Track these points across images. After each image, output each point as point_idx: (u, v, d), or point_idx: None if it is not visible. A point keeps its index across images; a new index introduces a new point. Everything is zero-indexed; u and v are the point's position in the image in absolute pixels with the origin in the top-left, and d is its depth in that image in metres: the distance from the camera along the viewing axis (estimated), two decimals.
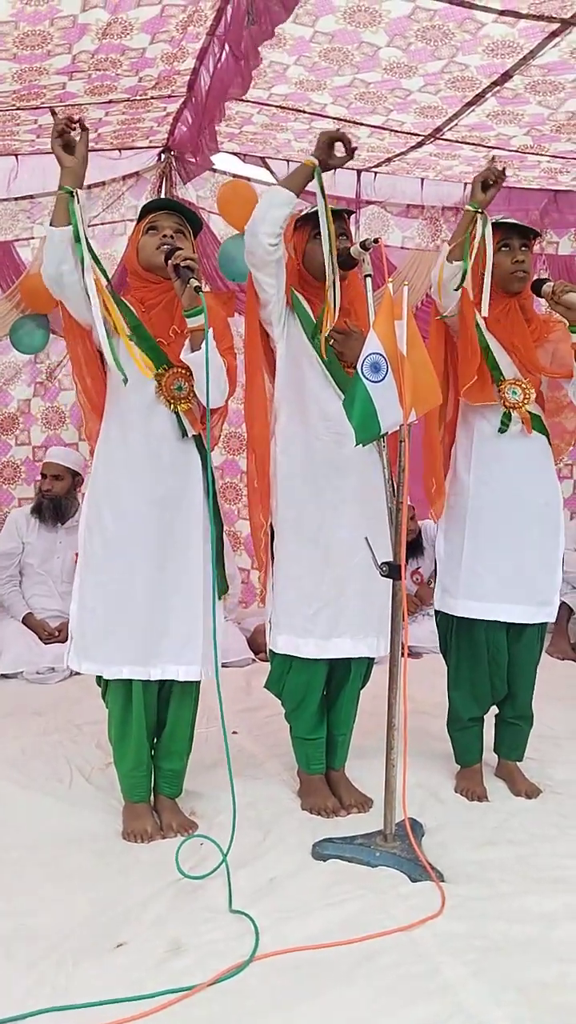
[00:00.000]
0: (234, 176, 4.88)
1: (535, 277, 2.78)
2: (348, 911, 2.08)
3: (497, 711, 2.89)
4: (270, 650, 2.68)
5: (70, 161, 2.38)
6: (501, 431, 2.68)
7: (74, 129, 2.37)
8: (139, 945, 1.96)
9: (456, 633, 2.80)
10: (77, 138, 2.37)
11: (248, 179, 4.91)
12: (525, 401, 2.69)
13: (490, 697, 2.81)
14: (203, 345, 2.26)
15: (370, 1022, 1.70)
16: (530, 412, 2.71)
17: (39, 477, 4.66)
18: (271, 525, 2.66)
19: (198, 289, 2.26)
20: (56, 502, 4.41)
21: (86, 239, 2.34)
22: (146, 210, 2.51)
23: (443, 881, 2.20)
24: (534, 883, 2.21)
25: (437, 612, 2.87)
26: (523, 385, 2.70)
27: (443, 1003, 1.74)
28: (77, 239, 2.33)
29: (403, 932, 1.99)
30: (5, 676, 4.02)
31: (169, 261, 2.31)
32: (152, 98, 3.86)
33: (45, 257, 2.36)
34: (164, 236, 2.41)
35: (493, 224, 2.69)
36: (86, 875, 2.26)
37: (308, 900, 2.13)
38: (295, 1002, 1.76)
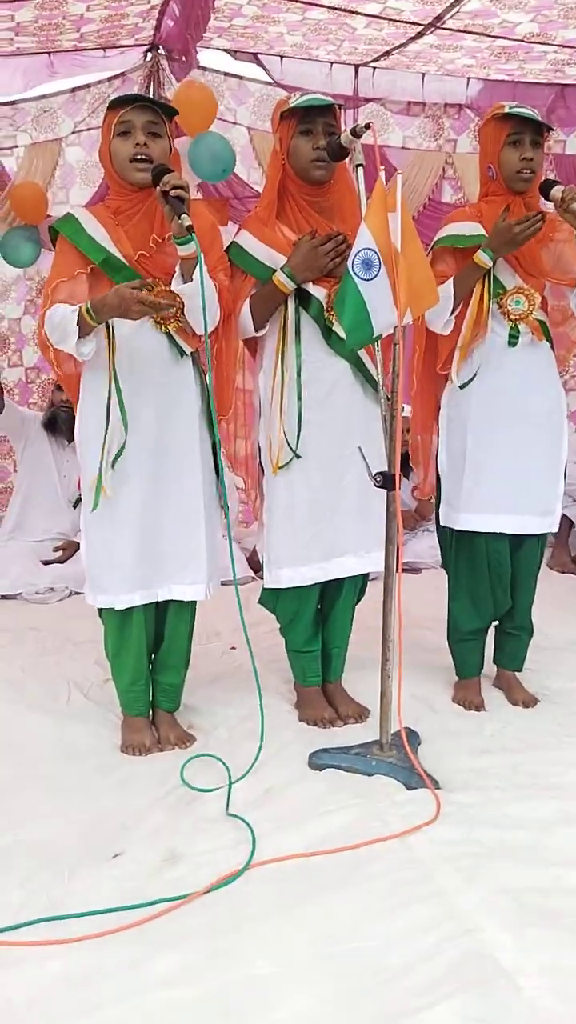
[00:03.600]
0: (224, 74, 4.66)
1: (544, 178, 2.63)
2: (344, 819, 2.09)
3: (497, 622, 2.87)
4: (263, 566, 2.64)
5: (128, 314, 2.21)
6: (512, 344, 2.59)
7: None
8: (135, 855, 1.97)
9: (457, 545, 2.76)
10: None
11: (240, 77, 4.69)
12: (531, 309, 2.59)
13: (492, 609, 2.78)
14: (195, 275, 2.17)
15: (364, 927, 1.71)
16: (538, 320, 2.62)
17: (54, 389, 4.53)
18: (260, 464, 2.60)
19: (190, 228, 2.13)
20: (73, 415, 4.28)
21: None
22: (115, 104, 2.32)
23: (438, 789, 2.20)
24: (528, 790, 2.21)
25: (438, 525, 2.82)
26: (527, 292, 2.59)
27: (436, 908, 1.75)
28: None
29: (398, 839, 1.99)
30: (4, 597, 4.01)
31: (158, 187, 2.18)
32: None
33: (59, 334, 2.26)
34: (137, 144, 2.26)
35: (503, 115, 2.52)
36: (84, 789, 2.28)
37: (304, 809, 2.14)
38: (290, 908, 1.77)
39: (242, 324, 2.48)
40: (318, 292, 2.44)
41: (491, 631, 2.89)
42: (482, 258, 2.49)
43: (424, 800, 2.15)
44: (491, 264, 2.50)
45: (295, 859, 1.93)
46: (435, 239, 2.65)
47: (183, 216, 2.13)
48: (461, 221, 2.63)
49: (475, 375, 2.62)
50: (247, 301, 2.47)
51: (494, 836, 2.00)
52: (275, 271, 2.42)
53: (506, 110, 2.53)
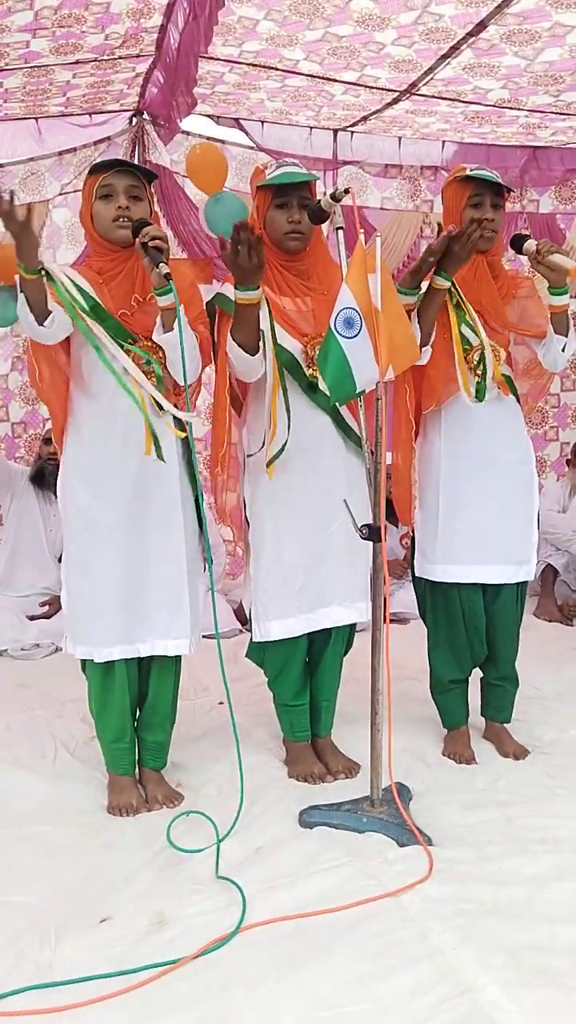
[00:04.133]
0: (207, 139, 4.77)
1: (516, 232, 2.70)
2: (336, 878, 2.06)
3: (482, 674, 2.87)
4: (251, 621, 2.64)
5: (16, 228, 2.13)
6: (479, 399, 2.63)
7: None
8: (124, 919, 1.93)
9: (432, 596, 2.78)
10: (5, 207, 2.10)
11: (223, 141, 4.81)
12: (496, 364, 2.64)
13: (470, 659, 2.79)
14: (175, 326, 2.21)
15: (357, 989, 1.67)
16: (504, 375, 2.67)
17: (41, 443, 4.56)
18: (245, 518, 2.61)
19: (168, 277, 2.19)
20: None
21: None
22: (96, 168, 2.38)
23: (431, 845, 2.18)
24: (522, 844, 2.20)
25: (413, 576, 2.84)
26: (492, 348, 2.64)
27: (431, 968, 1.72)
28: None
29: (391, 898, 1.97)
30: None
31: (137, 239, 2.24)
32: (120, 58, 3.75)
33: (22, 322, 2.28)
34: (120, 208, 2.32)
35: (465, 177, 2.60)
36: (70, 850, 2.24)
37: (295, 868, 2.11)
38: (282, 972, 1.74)
39: (234, 357, 2.42)
40: (292, 347, 2.48)
41: (477, 683, 2.89)
42: (438, 281, 2.52)
43: (416, 857, 2.13)
44: (447, 285, 2.53)
45: (287, 921, 1.90)
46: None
47: (161, 265, 2.19)
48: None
49: (441, 425, 2.68)
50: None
51: (488, 893, 1.98)
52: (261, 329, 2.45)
53: (467, 172, 2.61)
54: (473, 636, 2.74)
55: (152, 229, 2.24)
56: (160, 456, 2.38)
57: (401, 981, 1.69)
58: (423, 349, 2.59)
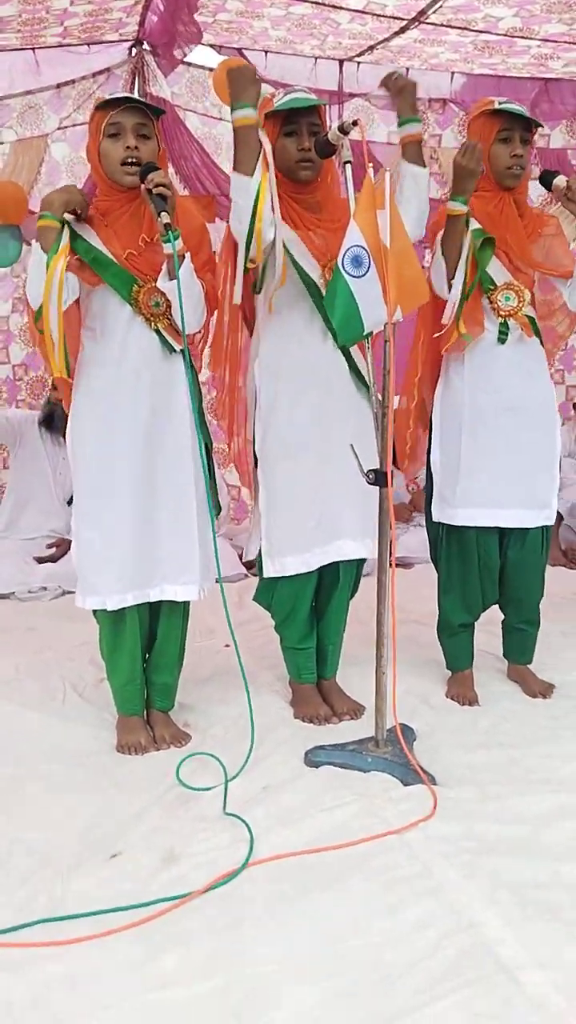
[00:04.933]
0: (209, 71, 4.63)
1: (544, 169, 2.63)
2: (341, 816, 2.09)
3: (503, 617, 2.89)
4: (258, 562, 2.64)
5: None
6: (501, 341, 2.60)
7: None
8: (134, 855, 1.97)
9: (447, 540, 2.77)
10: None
11: None
12: (520, 306, 2.60)
13: (481, 603, 2.80)
14: (178, 273, 2.18)
15: (362, 924, 1.71)
16: (527, 316, 2.62)
17: (51, 387, 4.52)
18: (254, 452, 2.59)
19: (168, 226, 2.16)
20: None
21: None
22: (104, 105, 2.31)
23: (435, 784, 2.21)
24: (525, 784, 2.23)
25: (428, 520, 2.83)
26: (516, 288, 2.60)
27: (435, 904, 1.76)
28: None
29: (395, 835, 2.00)
30: None
31: (143, 184, 2.20)
32: None
33: (30, 281, 2.24)
34: (128, 148, 2.26)
35: (493, 111, 2.53)
36: (80, 789, 2.27)
37: (301, 806, 2.14)
38: (289, 907, 1.77)
39: (234, 189, 2.32)
40: (311, 268, 2.43)
41: (499, 627, 2.92)
42: (453, 206, 2.49)
43: (421, 796, 2.16)
44: (464, 209, 2.50)
45: (293, 857, 1.93)
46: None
47: (162, 214, 2.16)
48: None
49: (464, 367, 2.63)
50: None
51: (492, 831, 2.01)
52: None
53: (496, 106, 2.53)
54: (486, 579, 2.75)
55: (157, 175, 2.19)
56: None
57: (406, 916, 1.72)
58: (449, 282, 2.54)
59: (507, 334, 2.61)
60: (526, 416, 2.66)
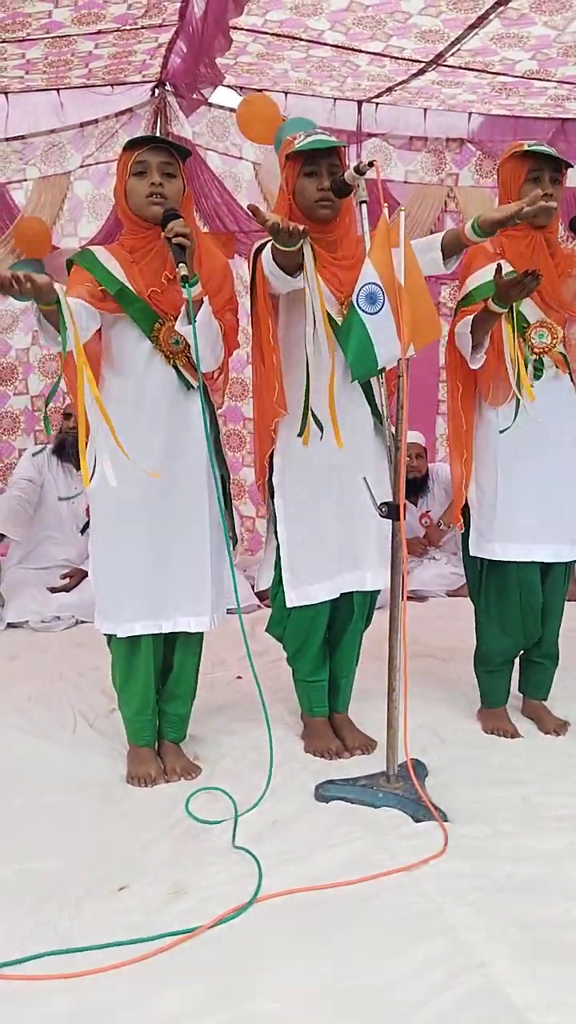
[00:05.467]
0: (230, 111, 4.73)
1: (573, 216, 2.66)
2: (351, 852, 2.07)
3: (522, 651, 2.88)
4: (272, 593, 2.64)
5: (31, 291, 2.05)
6: (536, 377, 2.62)
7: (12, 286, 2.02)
8: (141, 888, 1.96)
9: (487, 575, 2.77)
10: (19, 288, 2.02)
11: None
12: (554, 343, 2.63)
13: (522, 639, 2.80)
14: (196, 318, 2.23)
15: (371, 962, 1.69)
16: (560, 353, 2.65)
17: (63, 416, 4.57)
18: (269, 481, 2.60)
19: (184, 279, 2.19)
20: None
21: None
22: (131, 145, 2.38)
23: (446, 821, 2.19)
24: (538, 822, 2.20)
25: (466, 555, 2.83)
26: (549, 326, 2.63)
27: (445, 943, 1.74)
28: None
29: (405, 872, 1.98)
30: (11, 625, 4.02)
31: (163, 232, 2.24)
32: (143, 28, 3.71)
33: (46, 338, 2.25)
34: (153, 184, 2.31)
35: (523, 152, 2.56)
36: (89, 819, 2.27)
37: (311, 841, 2.13)
38: (296, 943, 1.76)
39: (271, 274, 2.37)
40: (331, 305, 2.44)
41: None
42: (492, 305, 2.50)
43: (431, 833, 2.14)
44: (503, 310, 2.50)
45: (302, 892, 1.92)
46: (466, 292, 2.64)
47: (180, 265, 2.20)
48: (480, 264, 2.63)
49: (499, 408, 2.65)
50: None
51: (504, 869, 1.99)
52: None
53: (525, 148, 2.57)
54: (528, 615, 2.75)
55: (177, 224, 2.22)
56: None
57: (415, 955, 1.70)
58: (475, 356, 2.57)
59: (542, 371, 2.63)
60: (559, 452, 2.68)
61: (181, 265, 2.20)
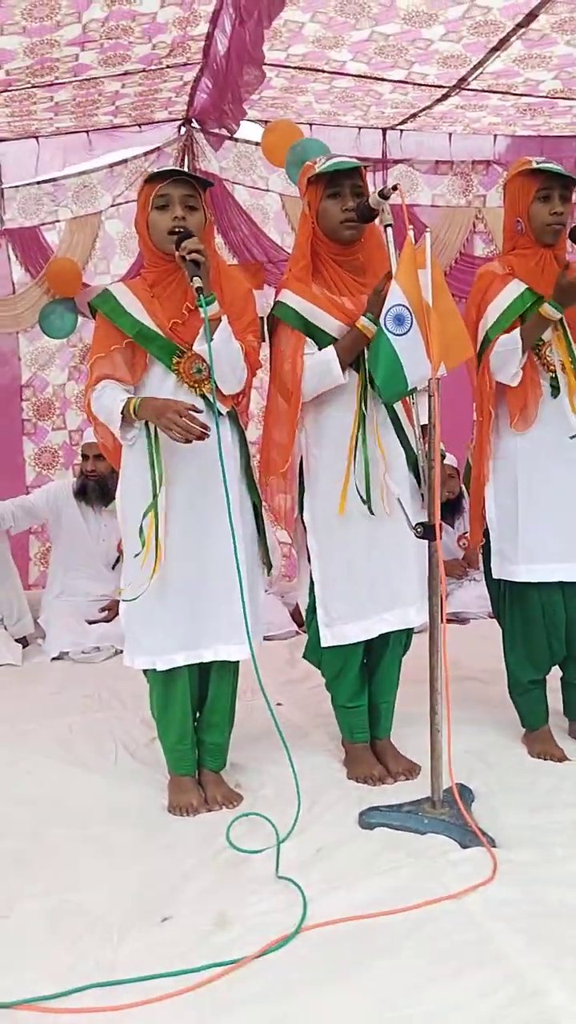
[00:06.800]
0: (256, 144, 4.80)
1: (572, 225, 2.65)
2: (397, 879, 2.03)
3: (562, 674, 2.82)
4: (307, 619, 2.63)
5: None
6: (554, 395, 2.59)
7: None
8: (185, 919, 1.93)
9: (509, 596, 2.73)
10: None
11: None
12: (568, 357, 2.59)
13: (549, 659, 2.74)
14: (213, 338, 2.25)
15: (420, 992, 1.64)
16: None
17: (79, 459, 4.62)
18: (302, 519, 2.59)
19: (199, 290, 2.22)
20: (102, 482, 4.28)
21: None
22: (152, 178, 2.40)
23: (495, 847, 2.13)
24: None
25: (488, 577, 2.79)
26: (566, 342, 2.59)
27: (496, 971, 1.69)
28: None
29: (453, 899, 1.93)
30: (53, 658, 4.03)
31: (177, 251, 2.27)
32: (168, 67, 3.80)
33: (99, 414, 2.41)
34: (176, 218, 2.33)
35: (531, 170, 2.56)
36: (131, 850, 2.25)
37: (356, 869, 2.09)
38: (344, 973, 1.72)
39: (311, 380, 2.46)
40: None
41: (558, 682, 2.84)
42: (549, 311, 2.50)
43: (480, 859, 2.08)
44: (559, 315, 2.51)
45: (348, 922, 1.88)
46: (487, 329, 2.62)
47: (195, 279, 2.22)
48: (497, 288, 2.61)
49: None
50: (311, 358, 2.46)
51: (555, 895, 1.93)
52: (328, 335, 2.45)
53: (533, 165, 2.57)
54: (552, 635, 2.69)
55: (191, 242, 2.25)
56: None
57: (466, 984, 1.65)
58: (515, 373, 2.56)
59: (559, 388, 2.60)
60: None
61: (195, 279, 2.21)
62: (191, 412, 2.24)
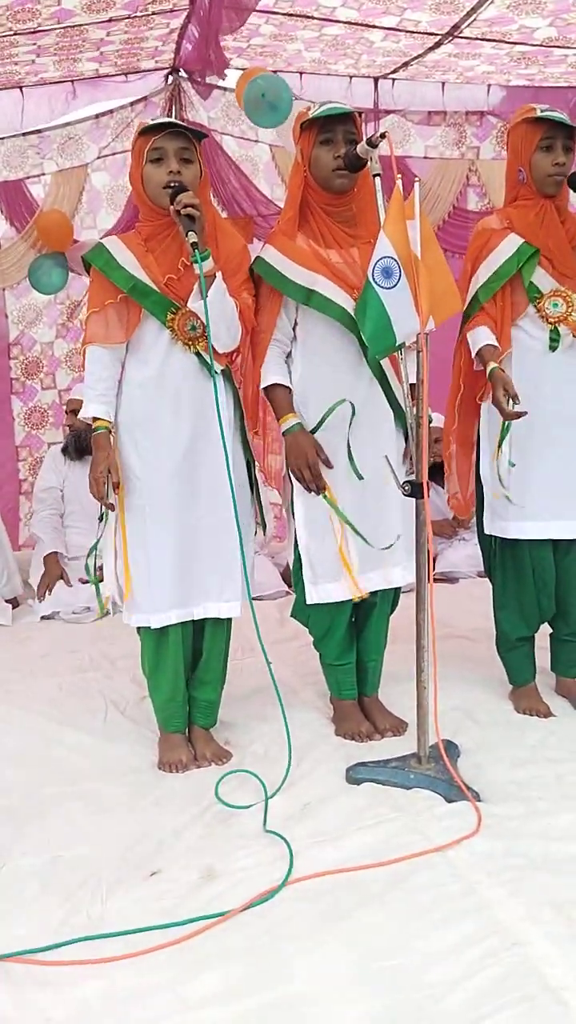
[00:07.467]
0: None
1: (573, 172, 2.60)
2: (382, 833, 2.06)
3: (551, 630, 2.83)
4: (294, 579, 2.63)
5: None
6: (552, 348, 2.57)
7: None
8: (173, 873, 1.96)
9: (500, 553, 2.73)
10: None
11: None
12: (569, 311, 2.57)
13: (538, 616, 2.75)
14: (208, 295, 2.22)
15: (405, 943, 1.68)
16: None
17: (67, 412, 4.59)
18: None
19: (195, 245, 2.18)
20: (77, 435, 4.29)
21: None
22: (147, 130, 2.34)
23: (479, 801, 2.16)
24: (573, 801, 2.17)
25: (480, 533, 2.79)
26: (564, 294, 2.57)
27: (479, 922, 1.72)
28: None
29: (438, 852, 1.96)
30: (43, 617, 4.04)
31: (172, 206, 2.23)
32: (153, 13, 3.69)
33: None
34: (171, 172, 2.28)
35: (535, 119, 2.50)
36: (121, 806, 2.27)
37: (342, 824, 2.11)
38: (330, 925, 1.75)
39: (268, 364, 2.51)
40: (344, 301, 2.41)
41: (547, 639, 2.85)
42: (490, 373, 2.51)
43: (464, 813, 2.11)
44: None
45: (334, 875, 1.91)
46: (476, 288, 2.59)
47: (190, 234, 2.19)
48: (493, 245, 2.58)
49: (514, 377, 2.59)
50: (272, 359, 2.50)
51: (538, 848, 1.96)
52: (303, 288, 2.41)
53: (537, 113, 2.51)
54: (542, 592, 2.70)
55: (186, 196, 2.21)
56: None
57: (449, 935, 1.69)
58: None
59: (558, 341, 2.58)
60: (575, 426, 2.62)
61: (190, 233, 2.18)
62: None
